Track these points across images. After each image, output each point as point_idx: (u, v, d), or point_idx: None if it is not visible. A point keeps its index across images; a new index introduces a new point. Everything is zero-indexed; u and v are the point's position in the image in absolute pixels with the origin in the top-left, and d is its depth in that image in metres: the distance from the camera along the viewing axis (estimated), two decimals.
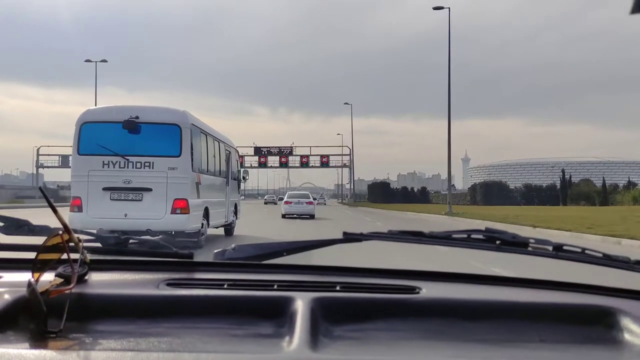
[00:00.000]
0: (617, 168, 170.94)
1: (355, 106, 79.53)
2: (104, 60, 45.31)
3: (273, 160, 79.67)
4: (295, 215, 25.85)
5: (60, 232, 0.92)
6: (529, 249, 1.06)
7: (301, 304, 0.90)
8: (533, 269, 2.87)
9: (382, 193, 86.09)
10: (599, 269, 1.10)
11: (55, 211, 0.95)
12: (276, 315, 0.90)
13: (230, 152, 14.44)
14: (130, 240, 1.19)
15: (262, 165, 79.56)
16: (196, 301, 0.94)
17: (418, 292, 1.00)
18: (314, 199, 30.40)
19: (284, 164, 79.07)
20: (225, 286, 1.00)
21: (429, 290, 1.01)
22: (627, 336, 0.90)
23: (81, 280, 0.96)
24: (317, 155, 78.98)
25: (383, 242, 1.12)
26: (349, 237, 1.09)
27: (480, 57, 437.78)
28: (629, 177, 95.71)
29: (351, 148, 74.67)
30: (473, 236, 1.08)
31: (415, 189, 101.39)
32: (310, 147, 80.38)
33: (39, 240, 0.95)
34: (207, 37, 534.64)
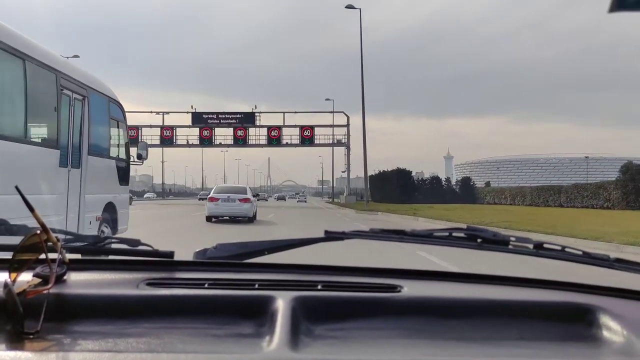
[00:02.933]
0: (609, 164, 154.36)
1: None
2: (76, 56, 37.55)
3: (224, 134, 49.85)
4: (226, 218, 18.82)
5: (38, 231, 0.90)
6: (510, 246, 1.07)
7: (282, 303, 0.90)
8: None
9: (397, 187, 54.17)
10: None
11: (32, 210, 0.94)
12: (257, 314, 0.90)
13: (86, 99, 7.25)
14: (110, 240, 1.16)
15: (206, 142, 49.94)
16: (176, 301, 0.94)
17: (399, 291, 1.00)
18: (251, 195, 20.01)
19: (240, 140, 49.35)
20: (206, 285, 0.99)
21: (410, 289, 1.01)
22: (605, 333, 0.90)
23: (59, 280, 0.94)
24: (295, 126, 49.42)
25: (365, 240, 1.12)
26: (331, 236, 1.10)
27: (461, 55, 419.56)
28: None
29: (362, 105, 40.46)
30: (454, 234, 1.09)
31: (454, 181, 68.13)
32: (284, 113, 50.80)
33: (16, 240, 0.93)
34: (187, 34, 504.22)
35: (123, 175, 8.77)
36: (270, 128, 48.96)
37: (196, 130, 49.49)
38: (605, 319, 0.92)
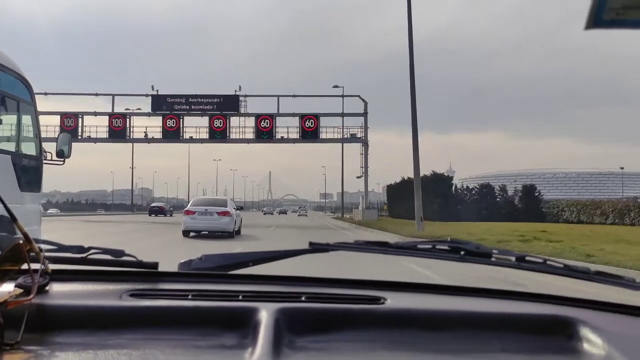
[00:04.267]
0: (618, 179, 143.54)
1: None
2: None
3: (197, 125, 36.83)
4: (205, 232, 17.43)
5: (21, 241, 0.90)
6: (493, 259, 1.09)
7: (265, 314, 0.90)
8: None
9: (435, 199, 38.16)
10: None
11: (14, 220, 0.94)
12: (240, 326, 0.90)
13: None
14: (93, 250, 1.15)
15: (171, 135, 36.72)
16: (159, 312, 0.94)
17: (383, 303, 1.01)
18: (232, 208, 18.21)
19: (218, 134, 36.22)
20: (190, 297, 0.99)
21: (393, 301, 1.02)
22: (586, 346, 0.92)
23: (42, 291, 0.94)
24: (294, 115, 36.39)
25: (350, 252, 1.13)
26: (316, 248, 1.11)
27: (463, 70, 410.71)
28: None
29: (411, 84, 22.15)
30: (438, 247, 1.10)
31: (513, 190, 47.51)
32: (278, 97, 37.65)
33: None
34: (188, 49, 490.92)
35: (28, 178, 6.27)
36: (259, 117, 36.01)
37: (158, 120, 36.44)
38: (585, 332, 0.93)
